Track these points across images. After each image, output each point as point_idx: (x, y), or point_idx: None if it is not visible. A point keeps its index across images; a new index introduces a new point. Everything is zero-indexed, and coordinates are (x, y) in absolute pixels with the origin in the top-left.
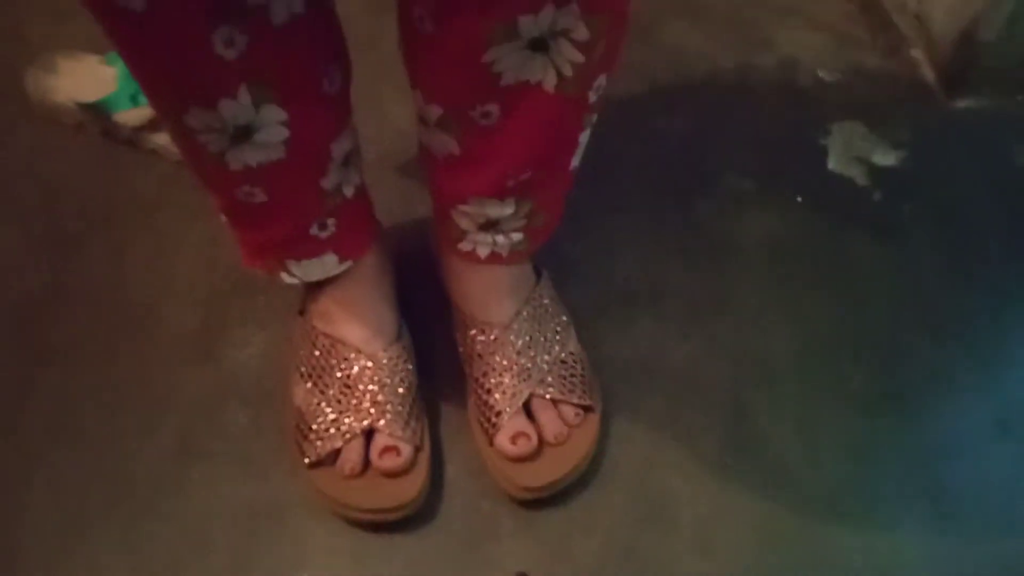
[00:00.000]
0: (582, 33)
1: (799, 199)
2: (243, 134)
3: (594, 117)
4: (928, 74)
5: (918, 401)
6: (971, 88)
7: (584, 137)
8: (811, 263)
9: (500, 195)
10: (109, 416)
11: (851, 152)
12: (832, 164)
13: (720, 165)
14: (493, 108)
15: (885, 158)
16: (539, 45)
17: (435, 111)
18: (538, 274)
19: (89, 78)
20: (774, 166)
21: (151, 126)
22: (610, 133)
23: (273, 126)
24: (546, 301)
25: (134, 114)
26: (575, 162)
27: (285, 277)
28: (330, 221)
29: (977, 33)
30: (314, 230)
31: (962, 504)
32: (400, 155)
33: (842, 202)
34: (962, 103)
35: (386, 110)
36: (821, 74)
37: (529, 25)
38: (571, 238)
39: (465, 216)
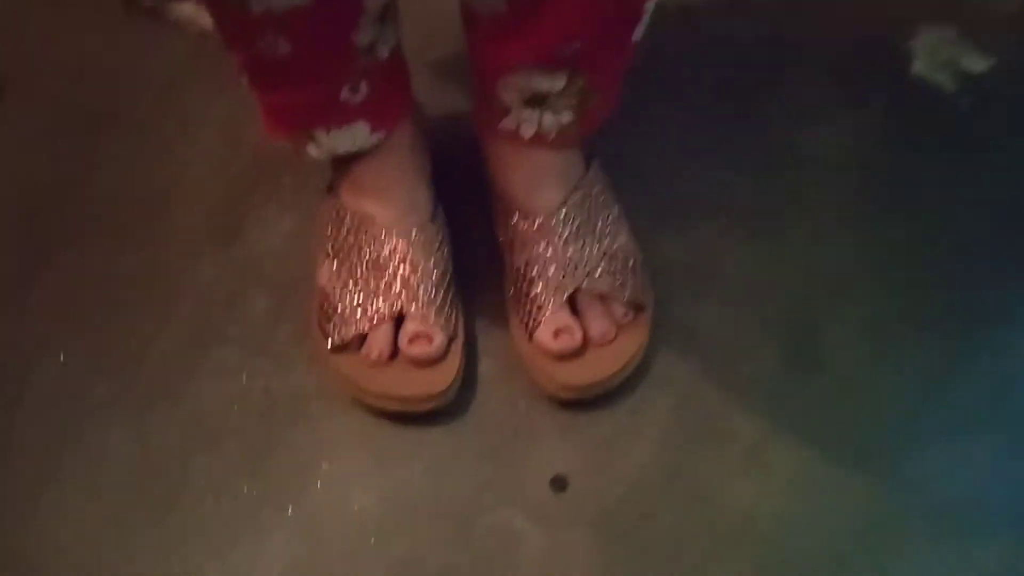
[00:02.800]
0: None
1: (880, 105)
2: None
3: None
4: None
5: (998, 328)
6: None
7: (650, 5)
8: (889, 174)
9: (551, 65)
10: (123, 299)
11: (939, 57)
12: (917, 68)
13: (794, 69)
14: None
15: (976, 64)
16: None
17: None
18: (589, 166)
19: None
20: (851, 70)
21: None
22: (673, 31)
23: None
24: (596, 190)
25: None
26: (637, 34)
27: (311, 149)
28: (362, 84)
29: None
30: (344, 94)
31: None
32: (442, 41)
33: (926, 110)
34: None
35: None
36: None
37: None
38: (626, 137)
39: (510, 89)
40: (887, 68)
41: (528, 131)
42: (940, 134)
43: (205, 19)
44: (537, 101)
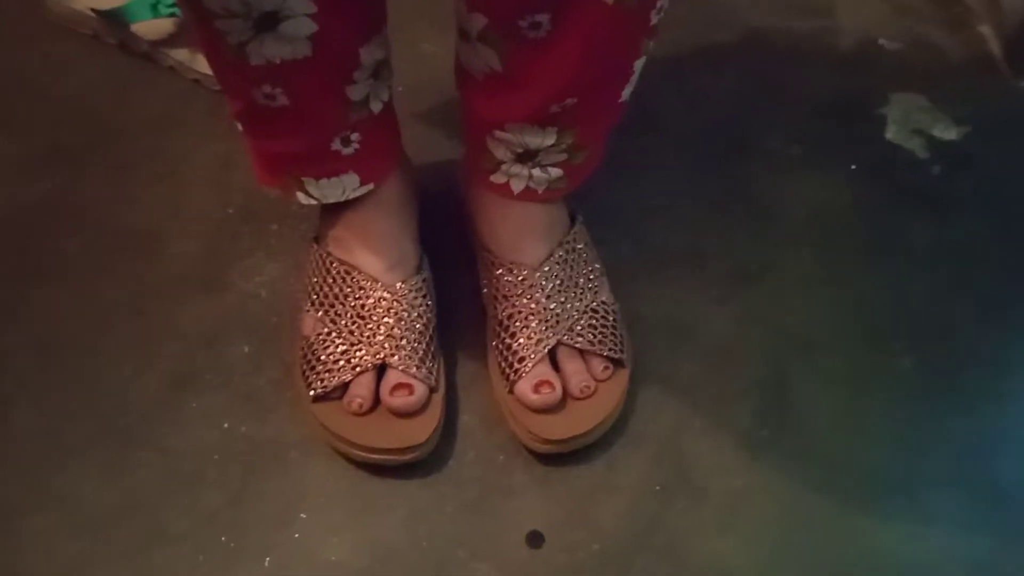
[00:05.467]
0: None
1: (853, 167)
2: (267, 23)
3: (651, 45)
4: (995, 50)
5: (969, 387)
6: None
7: (639, 66)
8: (862, 234)
9: (542, 122)
10: (104, 340)
11: (911, 124)
12: (890, 134)
13: (770, 128)
14: (544, 19)
15: (946, 132)
16: None
17: (479, 21)
18: (572, 220)
19: None
20: (828, 132)
21: (170, 41)
22: (655, 88)
23: (300, 18)
24: (580, 246)
25: (153, 26)
26: (626, 94)
27: (302, 197)
28: (354, 137)
29: None
30: (336, 145)
31: (1010, 499)
32: (429, 93)
33: (899, 174)
34: None
35: (418, 46)
36: (882, 42)
37: None
38: (609, 190)
39: (501, 144)
40: (862, 133)
41: (518, 186)
42: (911, 199)
43: (199, 65)
44: (527, 156)
